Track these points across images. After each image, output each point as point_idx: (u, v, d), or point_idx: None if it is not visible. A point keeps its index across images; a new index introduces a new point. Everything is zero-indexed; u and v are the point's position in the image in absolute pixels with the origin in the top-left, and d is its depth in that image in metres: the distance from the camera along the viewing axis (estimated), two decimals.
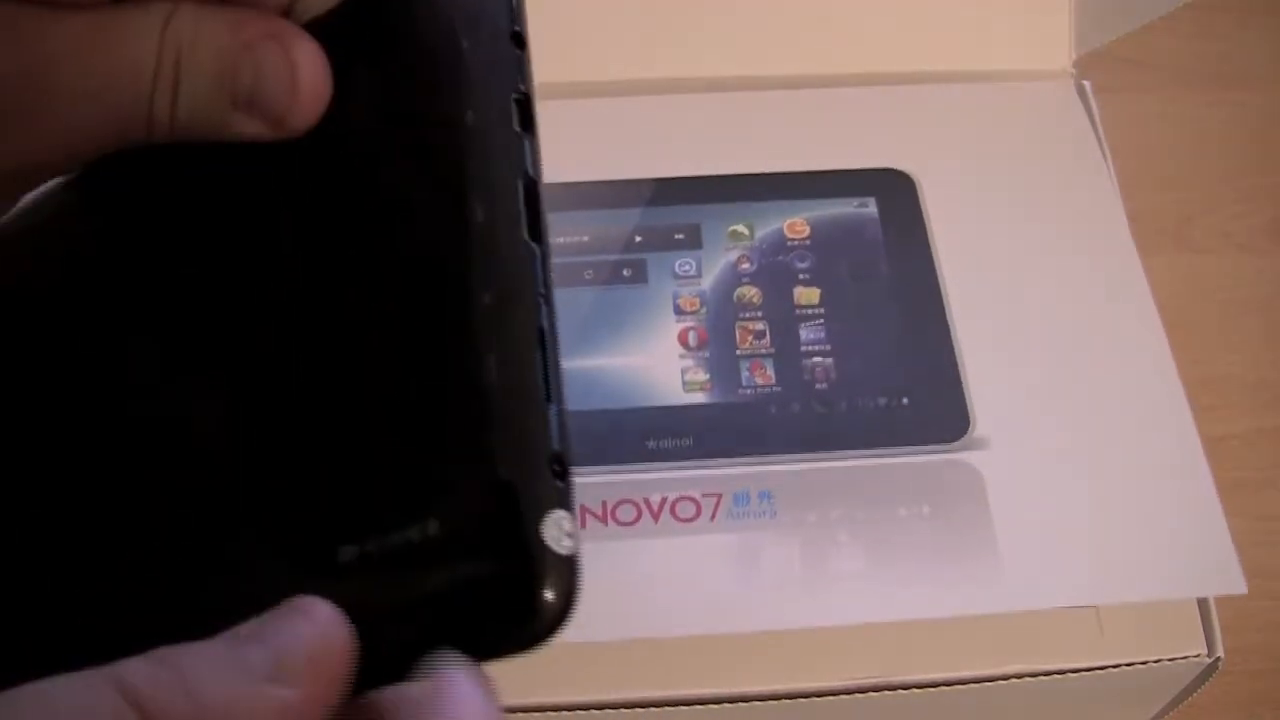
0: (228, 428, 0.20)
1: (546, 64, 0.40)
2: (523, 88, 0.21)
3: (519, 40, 0.22)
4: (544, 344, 0.19)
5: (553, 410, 0.19)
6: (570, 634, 0.30)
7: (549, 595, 0.18)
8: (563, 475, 0.18)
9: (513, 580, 0.18)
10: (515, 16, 0.22)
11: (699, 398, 0.34)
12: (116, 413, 0.21)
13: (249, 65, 0.20)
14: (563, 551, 0.18)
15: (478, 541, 0.18)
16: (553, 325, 0.19)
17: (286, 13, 0.21)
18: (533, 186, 0.20)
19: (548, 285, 0.20)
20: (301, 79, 0.20)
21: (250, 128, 0.20)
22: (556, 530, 0.18)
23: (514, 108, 0.21)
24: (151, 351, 0.21)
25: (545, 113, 0.39)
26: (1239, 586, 0.31)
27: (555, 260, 0.36)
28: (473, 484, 0.18)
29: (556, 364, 0.19)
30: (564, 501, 0.18)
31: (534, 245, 0.20)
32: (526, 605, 0.18)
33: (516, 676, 0.30)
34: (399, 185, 0.21)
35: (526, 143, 0.21)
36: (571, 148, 0.39)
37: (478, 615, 0.18)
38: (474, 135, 0.21)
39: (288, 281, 0.21)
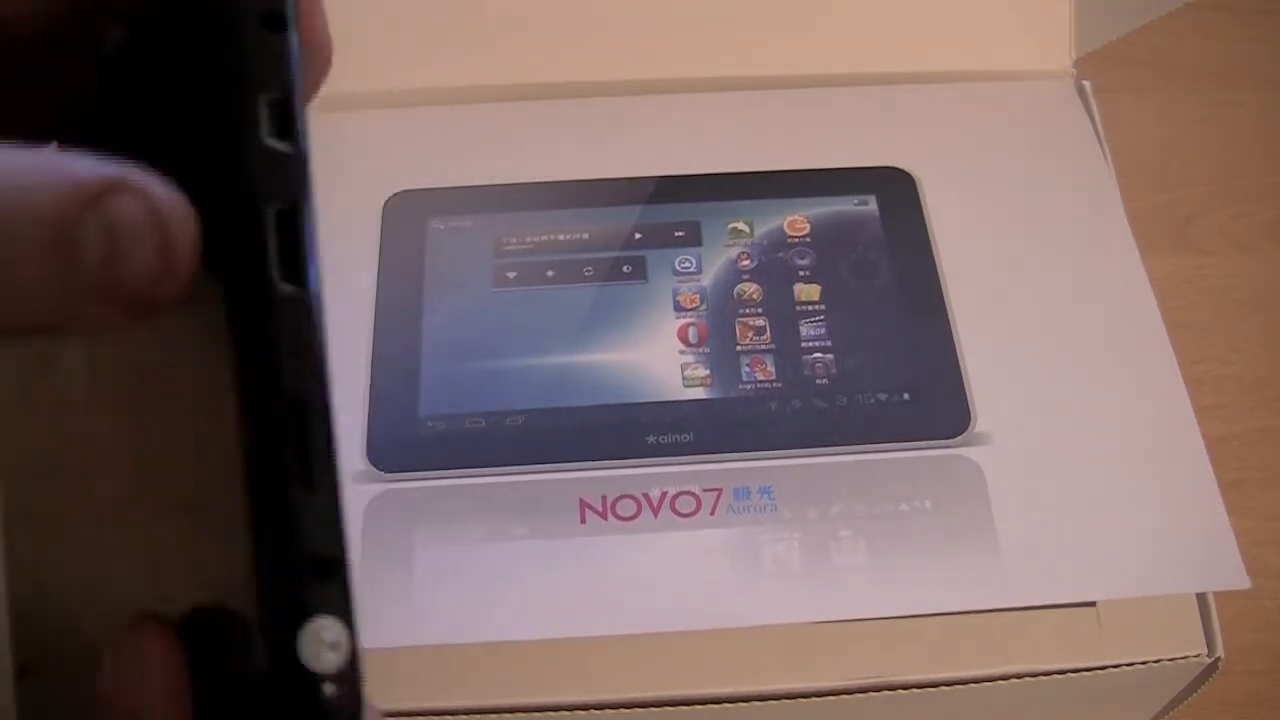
0: None
1: (549, 64, 0.41)
2: (282, 85, 0.16)
3: (276, 21, 0.17)
4: (303, 416, 0.16)
5: (314, 499, 0.16)
6: (569, 631, 0.30)
7: (312, 717, 0.16)
8: (328, 574, 0.16)
9: (274, 705, 0.16)
10: None
11: (699, 393, 0.34)
12: None
13: (93, 232, 0.14)
14: (322, 668, 0.16)
15: (236, 663, 0.16)
16: (319, 390, 0.16)
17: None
18: (290, 216, 0.16)
19: (310, 339, 0.16)
20: (176, 236, 0.15)
21: (104, 313, 0.14)
22: (315, 644, 0.16)
23: (264, 114, 0.16)
24: None
25: (547, 112, 0.40)
26: (1242, 581, 0.30)
27: (557, 257, 0.37)
28: (235, 594, 0.16)
29: (325, 437, 0.16)
30: (328, 605, 0.16)
31: (290, 290, 0.16)
32: None
33: (516, 676, 0.30)
34: None
35: (282, 159, 0.16)
36: (572, 146, 0.39)
37: None
38: (209, 153, 0.16)
39: None
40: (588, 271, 0.36)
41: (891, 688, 0.31)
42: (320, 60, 0.18)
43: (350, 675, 0.16)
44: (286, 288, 0.16)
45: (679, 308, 0.36)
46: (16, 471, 0.20)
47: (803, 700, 0.31)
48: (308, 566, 0.16)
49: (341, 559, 0.16)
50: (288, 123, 0.16)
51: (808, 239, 0.37)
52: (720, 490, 0.32)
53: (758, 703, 0.31)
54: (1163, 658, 0.31)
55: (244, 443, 0.16)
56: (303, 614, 0.16)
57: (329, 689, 0.16)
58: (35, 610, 0.20)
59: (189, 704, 0.17)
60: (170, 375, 0.18)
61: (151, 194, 0.14)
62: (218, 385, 0.16)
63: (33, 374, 0.20)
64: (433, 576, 0.31)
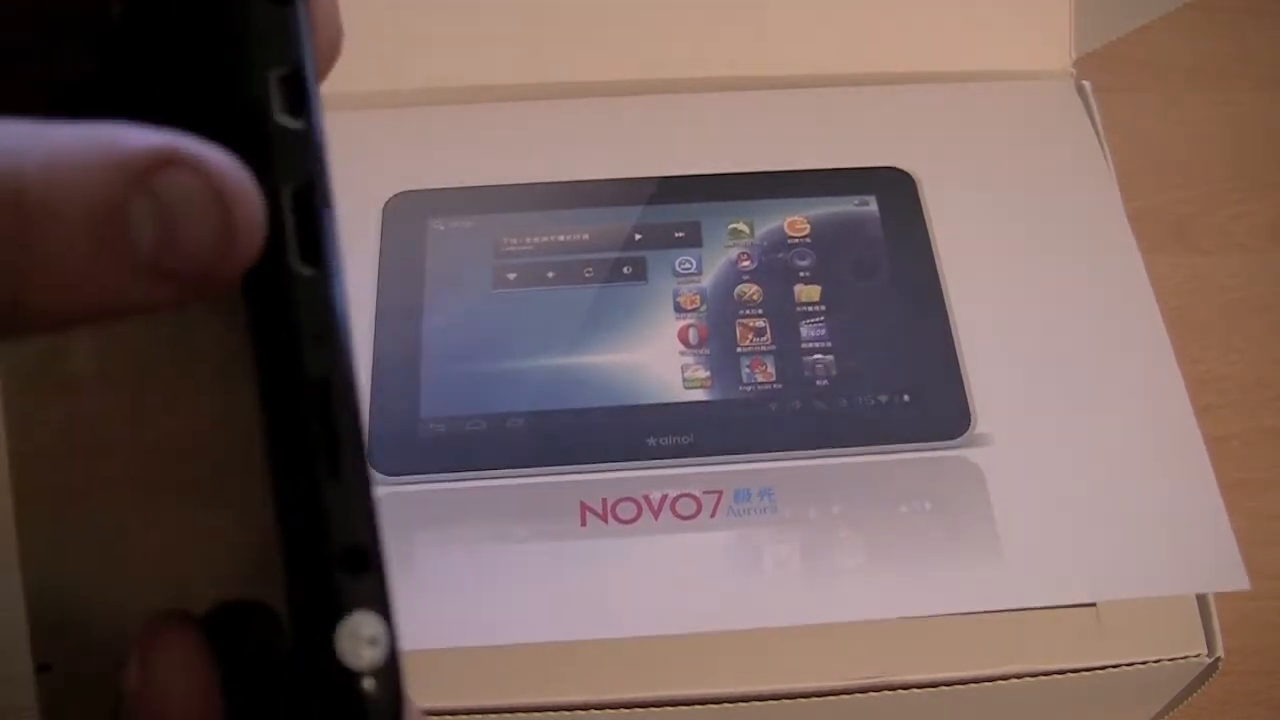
0: None
1: (549, 64, 0.41)
2: (291, 60, 0.16)
3: None
4: (327, 401, 0.15)
5: (340, 489, 0.15)
6: (570, 634, 0.30)
7: (354, 715, 0.15)
8: (361, 566, 0.15)
9: (311, 704, 0.15)
10: None
11: (699, 395, 0.34)
12: None
13: (145, 209, 0.13)
14: (361, 665, 0.15)
15: (267, 660, 0.16)
16: (343, 373, 0.15)
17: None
18: (308, 194, 0.16)
19: (331, 321, 0.15)
20: (237, 211, 0.14)
21: (162, 294, 0.14)
22: (352, 640, 0.15)
23: (274, 90, 0.16)
24: None
25: (547, 112, 0.40)
26: (1241, 582, 0.30)
27: (557, 258, 0.37)
28: (263, 587, 0.15)
29: (352, 423, 0.15)
30: (363, 600, 0.15)
31: (309, 272, 0.15)
32: None
33: (517, 676, 0.30)
34: None
35: (296, 137, 0.16)
36: (572, 146, 0.39)
37: None
38: (219, 132, 0.15)
39: None
40: (588, 272, 0.36)
41: (891, 688, 0.31)
42: (325, 44, 0.17)
43: (390, 671, 0.16)
44: (305, 269, 0.15)
45: (679, 309, 0.36)
46: (28, 455, 0.20)
47: (803, 700, 0.31)
48: (340, 559, 0.15)
49: (375, 549, 0.16)
50: (300, 99, 0.16)
51: (808, 239, 0.37)
52: (721, 492, 0.32)
53: (758, 703, 0.31)
54: (1163, 658, 0.31)
55: (266, 431, 0.15)
56: (339, 610, 0.15)
57: (369, 685, 0.15)
58: (53, 606, 0.20)
59: (217, 703, 0.17)
60: (184, 356, 0.18)
61: (208, 166, 0.14)
62: (234, 367, 0.16)
63: (46, 353, 0.20)
64: (433, 580, 0.31)
